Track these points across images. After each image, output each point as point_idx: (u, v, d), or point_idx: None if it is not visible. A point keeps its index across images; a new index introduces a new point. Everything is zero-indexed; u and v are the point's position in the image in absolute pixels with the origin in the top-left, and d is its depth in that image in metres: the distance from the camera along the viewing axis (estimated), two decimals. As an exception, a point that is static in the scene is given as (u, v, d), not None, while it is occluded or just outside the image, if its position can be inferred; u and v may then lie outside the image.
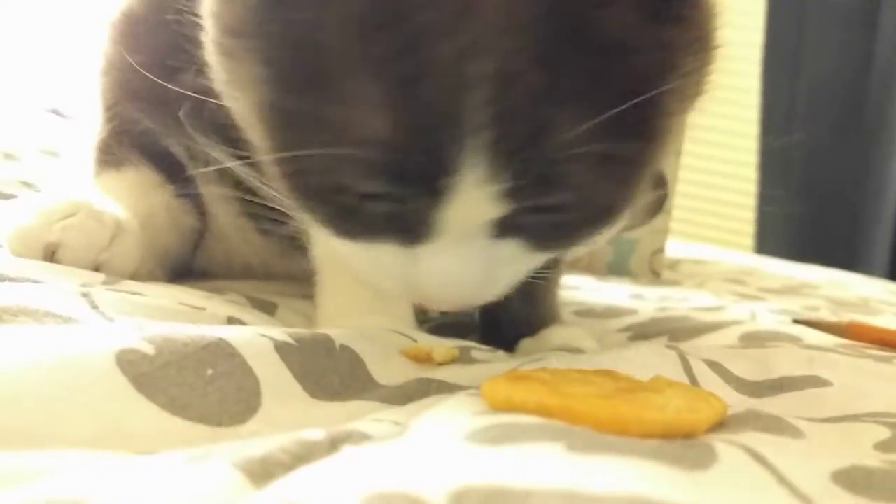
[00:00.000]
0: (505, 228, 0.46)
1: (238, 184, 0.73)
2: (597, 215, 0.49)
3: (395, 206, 0.44)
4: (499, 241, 0.47)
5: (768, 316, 0.92)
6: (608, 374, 0.43)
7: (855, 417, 0.43)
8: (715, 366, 0.51)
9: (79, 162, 0.77)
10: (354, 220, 0.46)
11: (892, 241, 2.23)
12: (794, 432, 0.39)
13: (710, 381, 0.49)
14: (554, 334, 0.71)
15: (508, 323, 0.72)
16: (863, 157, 2.31)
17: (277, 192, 0.50)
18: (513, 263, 0.49)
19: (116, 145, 0.73)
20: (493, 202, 0.43)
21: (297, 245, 0.67)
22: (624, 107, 0.41)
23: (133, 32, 0.73)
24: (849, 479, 0.32)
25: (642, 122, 0.44)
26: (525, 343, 0.70)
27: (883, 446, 0.39)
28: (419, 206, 0.44)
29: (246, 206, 0.73)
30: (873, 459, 0.35)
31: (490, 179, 0.42)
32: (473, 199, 0.43)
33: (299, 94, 0.43)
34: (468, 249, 0.46)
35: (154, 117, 0.72)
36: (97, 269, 0.58)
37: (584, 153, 0.42)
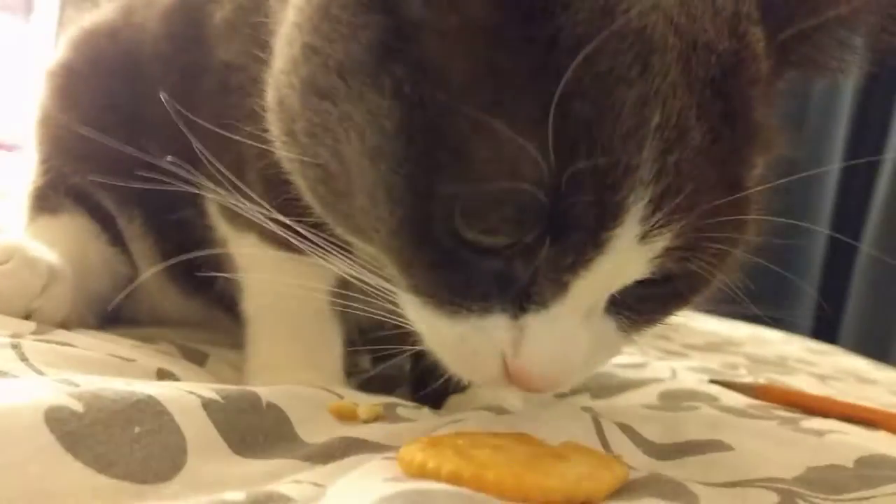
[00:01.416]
0: (612, 303, 0.44)
1: (162, 243, 0.75)
2: (691, 293, 0.47)
3: (520, 264, 0.41)
4: (604, 318, 0.45)
5: (688, 374, 0.96)
6: (522, 438, 0.45)
7: (748, 482, 0.46)
8: (626, 428, 0.54)
9: (17, 205, 0.78)
10: (460, 283, 0.42)
11: (816, 299, 2.31)
12: (690, 498, 0.42)
13: (621, 444, 0.52)
14: (482, 391, 0.68)
15: (438, 377, 0.72)
16: (789, 213, 2.40)
17: (347, 255, 0.48)
18: (609, 345, 0.47)
19: (53, 193, 0.74)
20: (645, 263, 0.41)
21: (221, 306, 0.69)
22: (759, 188, 0.43)
23: (69, 87, 0.74)
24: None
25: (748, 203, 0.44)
26: (453, 400, 0.68)
27: (770, 513, 0.42)
28: (559, 264, 0.40)
29: (169, 266, 0.75)
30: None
31: (648, 236, 0.40)
32: (625, 257, 0.40)
33: (438, 130, 0.39)
34: (588, 321, 0.43)
35: (84, 174, 0.73)
36: (28, 316, 0.59)
37: (725, 224, 0.41)
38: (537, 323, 0.42)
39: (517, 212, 0.39)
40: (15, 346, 0.49)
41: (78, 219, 0.74)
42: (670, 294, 0.46)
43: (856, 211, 2.04)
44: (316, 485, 0.38)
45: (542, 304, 0.41)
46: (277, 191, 0.52)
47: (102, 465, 0.36)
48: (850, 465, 0.53)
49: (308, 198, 0.49)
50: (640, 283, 0.43)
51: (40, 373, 0.47)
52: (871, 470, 0.52)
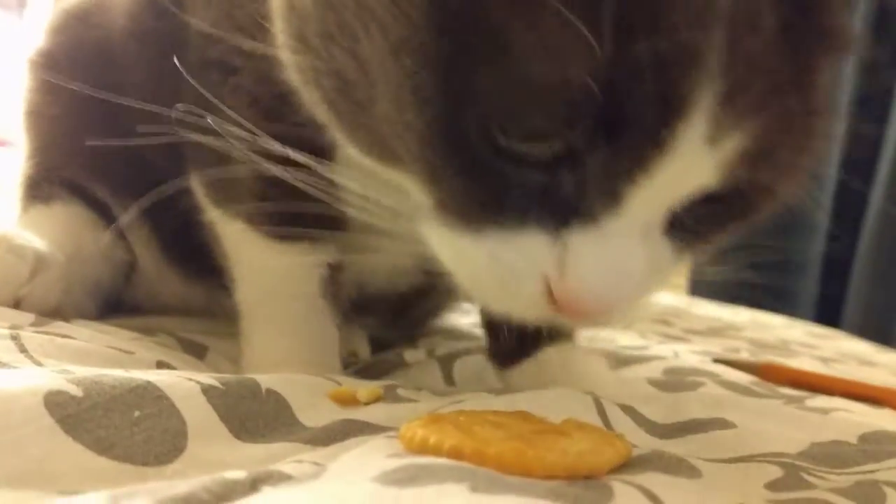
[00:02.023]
0: (669, 221, 0.39)
1: (159, 230, 0.75)
2: (754, 209, 0.42)
3: (566, 175, 0.36)
4: (663, 237, 0.40)
5: (690, 356, 0.96)
6: (522, 416, 0.45)
7: (751, 458, 0.46)
8: (628, 409, 0.54)
9: (9, 195, 0.78)
10: (494, 197, 0.37)
11: (818, 287, 2.30)
12: (692, 472, 0.41)
13: (623, 423, 0.52)
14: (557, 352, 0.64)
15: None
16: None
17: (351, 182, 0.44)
18: (662, 270, 0.41)
19: (45, 183, 0.74)
20: (712, 170, 0.36)
21: (222, 291, 0.68)
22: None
23: (50, 80, 0.74)
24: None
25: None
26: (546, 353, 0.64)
27: (773, 485, 0.42)
28: (613, 169, 0.35)
29: (169, 251, 0.75)
30: (760, 499, 0.37)
31: (716, 137, 0.35)
32: (691, 160, 0.35)
33: (472, 13, 0.34)
34: (645, 238, 0.38)
35: (75, 165, 0.73)
36: (17, 303, 0.59)
37: (797, 129, 0.37)
38: (585, 239, 0.37)
39: (565, 108, 0.34)
40: (14, 338, 0.49)
41: (72, 207, 0.74)
42: (731, 210, 0.41)
43: (858, 194, 2.04)
44: (316, 464, 0.38)
45: (591, 217, 0.36)
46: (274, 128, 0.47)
47: (103, 447, 0.36)
48: (853, 440, 0.53)
49: (322, 113, 0.44)
50: (701, 199, 0.38)
51: (39, 364, 0.47)
52: (874, 445, 0.52)
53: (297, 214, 0.52)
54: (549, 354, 0.64)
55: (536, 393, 0.55)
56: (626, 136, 0.34)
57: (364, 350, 0.76)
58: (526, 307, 0.40)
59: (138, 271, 0.77)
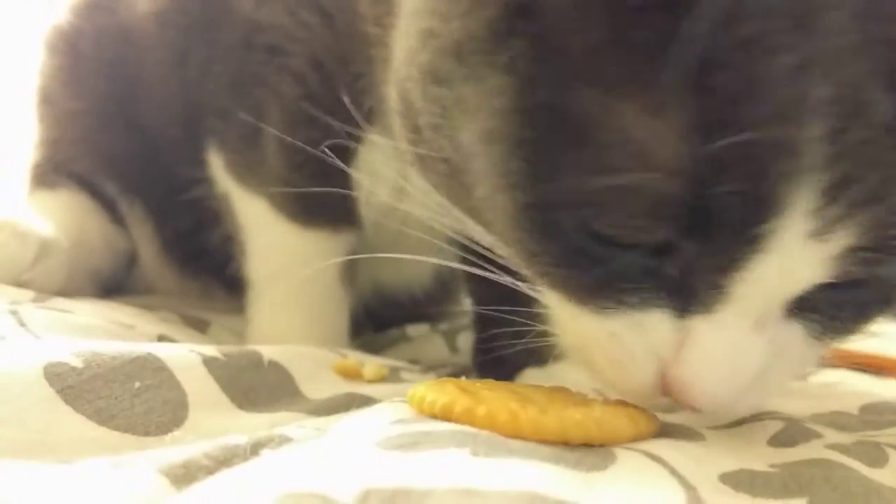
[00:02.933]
0: (799, 306, 0.37)
1: (161, 229, 0.76)
2: (887, 300, 0.40)
3: (668, 260, 0.36)
4: (787, 324, 0.38)
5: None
6: (559, 390, 0.42)
7: (754, 417, 0.46)
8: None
9: (13, 179, 0.78)
10: (601, 279, 0.37)
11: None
12: (696, 436, 0.41)
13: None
14: (562, 369, 0.62)
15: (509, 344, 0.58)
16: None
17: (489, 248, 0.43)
18: (795, 353, 0.39)
19: (52, 172, 0.74)
20: (821, 265, 0.34)
21: (219, 288, 0.69)
22: None
23: (73, 71, 0.74)
24: (735, 479, 0.34)
25: None
26: (529, 373, 0.63)
27: (776, 439, 0.42)
28: (711, 265, 0.34)
29: (168, 250, 0.76)
30: (762, 461, 0.37)
31: (822, 232, 0.33)
32: (794, 257, 0.34)
33: (556, 109, 0.34)
34: (760, 329, 0.36)
35: (87, 160, 0.73)
36: (21, 287, 0.59)
37: None
38: (706, 326, 0.36)
39: (650, 203, 0.33)
40: (13, 313, 0.49)
41: (77, 196, 0.74)
42: (867, 298, 0.39)
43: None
44: (317, 429, 0.38)
45: (706, 307, 0.36)
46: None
47: (103, 417, 0.36)
48: (855, 411, 0.52)
49: (441, 195, 0.45)
50: (830, 286, 0.36)
51: (38, 338, 0.46)
52: (876, 416, 0.52)
53: (321, 202, 0.53)
54: (530, 376, 0.63)
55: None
56: (717, 233, 0.33)
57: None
58: (634, 386, 0.40)
59: (138, 264, 0.77)
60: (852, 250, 0.34)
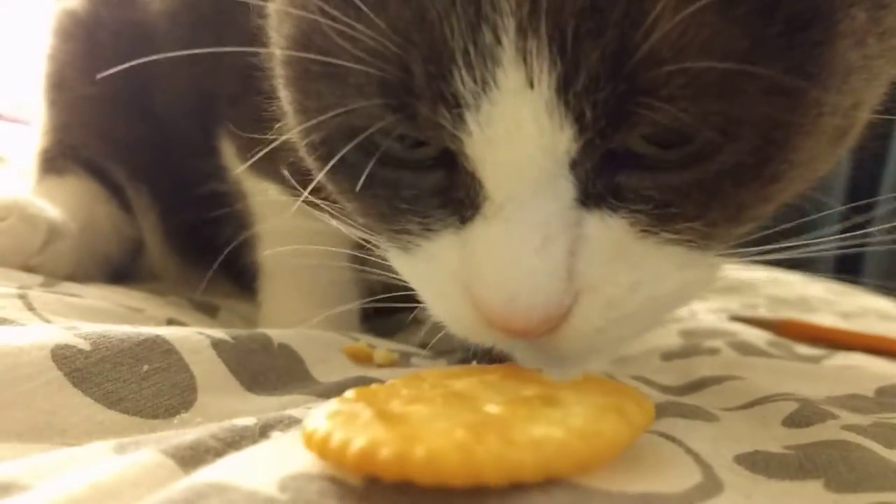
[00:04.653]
0: (597, 195, 0.32)
1: (166, 218, 0.76)
2: (742, 176, 0.32)
3: (440, 177, 0.34)
4: (600, 217, 0.32)
5: (707, 315, 0.95)
6: (510, 374, 0.34)
7: (767, 398, 0.45)
8: (639, 378, 0.53)
9: (24, 165, 0.78)
10: (403, 204, 0.35)
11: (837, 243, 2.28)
12: (710, 417, 0.41)
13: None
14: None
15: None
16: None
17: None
18: (646, 270, 0.34)
19: (61, 158, 0.74)
20: (558, 122, 0.30)
21: (223, 280, 0.69)
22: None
23: (90, 56, 0.73)
24: (751, 461, 0.34)
25: (810, 51, 0.30)
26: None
27: (790, 420, 0.41)
28: (454, 142, 0.31)
29: (172, 241, 0.76)
30: (777, 443, 0.37)
31: (544, 85, 0.29)
32: (520, 119, 0.30)
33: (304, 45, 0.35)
34: (542, 217, 0.31)
35: (97, 146, 0.73)
36: (29, 272, 0.59)
37: (710, 70, 0.28)
38: (481, 230, 0.32)
39: (378, 87, 0.31)
40: (22, 297, 0.49)
41: (86, 182, 0.74)
42: (685, 180, 0.32)
43: (875, 155, 2.01)
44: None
45: (474, 208, 0.32)
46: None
47: (111, 400, 0.36)
48: (870, 394, 0.52)
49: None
50: (650, 166, 0.31)
51: (47, 321, 0.46)
52: (891, 398, 0.51)
53: None
54: None
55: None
56: (434, 100, 0.31)
57: None
58: (466, 322, 0.35)
59: (145, 253, 0.77)
60: (598, 106, 0.29)
